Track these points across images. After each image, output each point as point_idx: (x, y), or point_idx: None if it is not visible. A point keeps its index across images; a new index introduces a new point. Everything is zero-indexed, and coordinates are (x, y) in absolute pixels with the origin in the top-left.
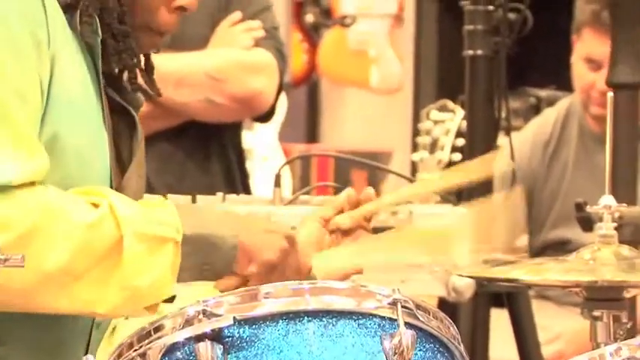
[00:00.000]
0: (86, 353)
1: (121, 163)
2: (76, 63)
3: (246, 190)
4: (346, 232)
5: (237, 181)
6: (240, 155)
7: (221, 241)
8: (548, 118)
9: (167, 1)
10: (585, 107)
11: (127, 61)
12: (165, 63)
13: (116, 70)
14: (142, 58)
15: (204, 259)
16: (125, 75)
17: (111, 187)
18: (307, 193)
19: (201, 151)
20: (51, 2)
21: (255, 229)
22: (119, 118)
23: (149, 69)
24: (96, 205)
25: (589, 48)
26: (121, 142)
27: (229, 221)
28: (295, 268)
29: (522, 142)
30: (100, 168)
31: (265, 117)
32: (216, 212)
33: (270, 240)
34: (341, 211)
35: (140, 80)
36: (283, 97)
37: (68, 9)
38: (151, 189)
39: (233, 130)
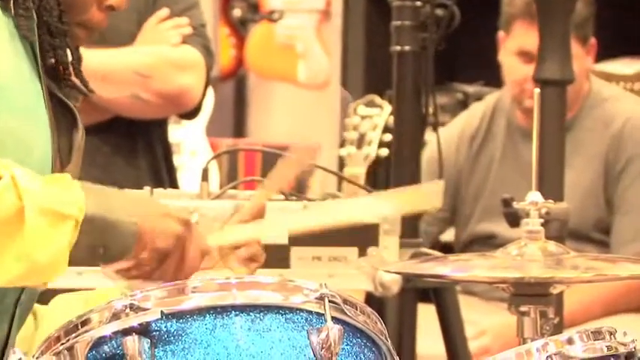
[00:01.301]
0: (10, 329)
1: (60, 156)
2: (8, 50)
3: (173, 185)
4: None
5: (163, 176)
6: (167, 150)
7: (120, 226)
8: (476, 112)
9: (99, 0)
10: (519, 102)
11: (61, 57)
12: (92, 59)
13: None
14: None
15: (99, 241)
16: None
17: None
18: (235, 187)
19: (127, 145)
20: None
21: (153, 214)
22: (59, 112)
23: (79, 64)
24: None
25: (521, 41)
26: (61, 136)
27: (132, 206)
28: (194, 251)
29: (449, 135)
30: (41, 153)
31: (192, 114)
32: (121, 195)
33: (166, 226)
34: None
35: (73, 77)
36: (210, 91)
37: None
38: None
39: (159, 125)
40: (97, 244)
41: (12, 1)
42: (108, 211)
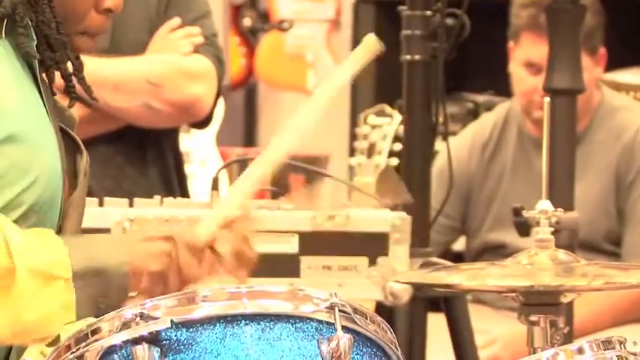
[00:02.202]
0: (8, 355)
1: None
2: (10, 73)
3: (184, 194)
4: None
5: (174, 185)
6: (178, 159)
7: (111, 271)
8: (487, 121)
9: (96, 3)
10: (527, 113)
11: (64, 70)
12: (104, 68)
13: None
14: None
15: (97, 293)
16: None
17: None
18: None
19: (138, 155)
20: None
21: (138, 244)
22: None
23: (81, 72)
24: None
25: (528, 52)
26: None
27: (117, 246)
28: (186, 258)
29: (461, 143)
30: (51, 156)
31: (203, 123)
32: (103, 240)
33: (153, 249)
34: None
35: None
36: (221, 100)
37: (2, 18)
38: (89, 192)
39: (170, 134)
40: (95, 295)
41: (6, 21)
42: (95, 260)
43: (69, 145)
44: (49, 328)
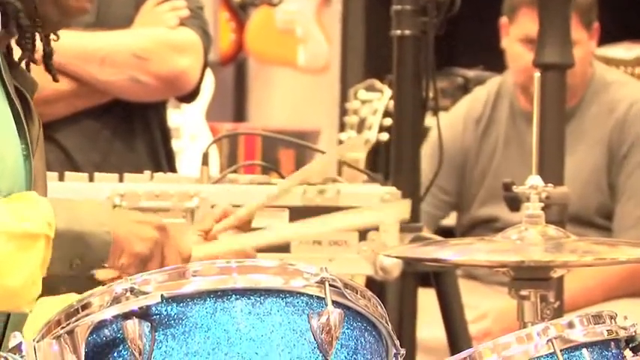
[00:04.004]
0: (5, 328)
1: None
2: None
3: (172, 169)
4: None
5: (162, 159)
6: (165, 133)
7: (93, 238)
8: (479, 95)
9: None
10: (524, 89)
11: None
12: (90, 41)
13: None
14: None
15: (74, 254)
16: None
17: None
18: (235, 171)
19: (126, 128)
20: None
21: (127, 221)
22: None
23: (48, 53)
24: None
25: (526, 28)
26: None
27: (103, 216)
28: (174, 255)
29: (455, 118)
30: (13, 160)
31: (190, 97)
32: (90, 206)
33: (141, 231)
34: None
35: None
36: (210, 76)
37: None
38: (76, 167)
39: (158, 108)
40: (71, 257)
41: None
42: (78, 223)
43: (25, 110)
44: (34, 289)
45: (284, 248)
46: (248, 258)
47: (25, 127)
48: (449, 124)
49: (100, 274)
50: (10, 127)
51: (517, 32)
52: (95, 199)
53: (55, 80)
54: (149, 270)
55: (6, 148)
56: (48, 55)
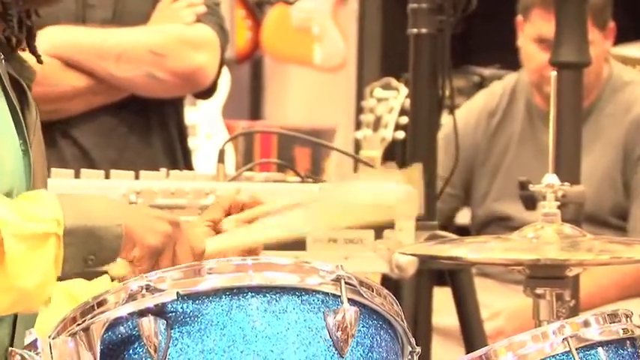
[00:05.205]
0: (14, 325)
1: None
2: None
3: (188, 166)
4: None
5: (178, 157)
6: (182, 130)
7: (105, 232)
8: (496, 90)
9: None
10: (538, 88)
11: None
12: (107, 38)
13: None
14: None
15: (87, 251)
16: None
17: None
18: (250, 169)
19: (142, 125)
20: None
21: (139, 216)
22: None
23: (30, 31)
24: None
25: (539, 28)
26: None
27: (113, 209)
28: (186, 251)
29: (469, 111)
30: (10, 147)
31: (207, 93)
32: (100, 200)
33: (154, 225)
34: (229, 214)
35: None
36: (227, 73)
37: None
38: (93, 164)
39: (174, 105)
40: (84, 253)
41: None
42: (88, 218)
43: (18, 98)
44: (47, 289)
45: (299, 246)
46: (257, 255)
47: (22, 120)
48: (462, 118)
49: (113, 270)
50: (8, 126)
51: (531, 32)
52: (107, 195)
53: (39, 62)
54: (161, 264)
55: (4, 150)
56: (29, 32)
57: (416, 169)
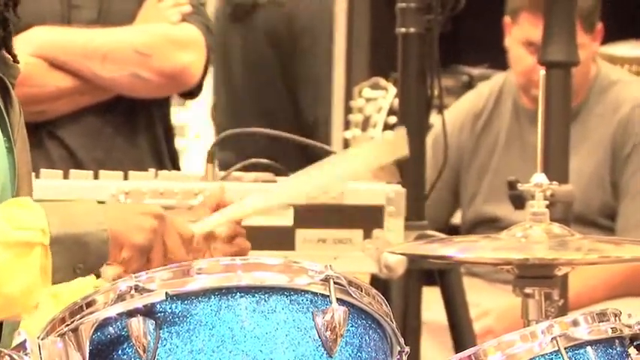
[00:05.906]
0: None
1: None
2: None
3: (175, 167)
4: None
5: (164, 157)
6: (168, 131)
7: (90, 237)
8: (482, 91)
9: None
10: (526, 91)
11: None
12: (92, 38)
13: None
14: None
15: (75, 259)
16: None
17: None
18: (240, 169)
19: (129, 125)
20: None
21: (123, 215)
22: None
23: (9, 36)
24: None
25: (527, 32)
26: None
27: (97, 214)
28: (175, 241)
29: (456, 113)
30: None
31: (192, 93)
32: (82, 206)
33: (140, 222)
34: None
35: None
36: None
37: None
38: (79, 164)
39: (161, 105)
40: (73, 262)
41: None
42: (73, 225)
43: (5, 98)
44: (33, 297)
45: (288, 246)
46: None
47: (6, 118)
48: (448, 120)
49: (105, 273)
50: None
51: (518, 35)
52: (90, 199)
53: (15, 62)
54: (153, 259)
55: None
56: (6, 30)
57: (400, 133)
